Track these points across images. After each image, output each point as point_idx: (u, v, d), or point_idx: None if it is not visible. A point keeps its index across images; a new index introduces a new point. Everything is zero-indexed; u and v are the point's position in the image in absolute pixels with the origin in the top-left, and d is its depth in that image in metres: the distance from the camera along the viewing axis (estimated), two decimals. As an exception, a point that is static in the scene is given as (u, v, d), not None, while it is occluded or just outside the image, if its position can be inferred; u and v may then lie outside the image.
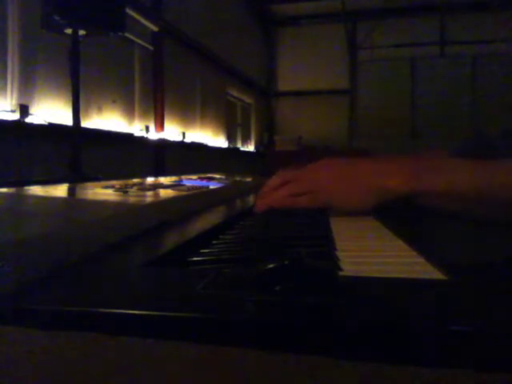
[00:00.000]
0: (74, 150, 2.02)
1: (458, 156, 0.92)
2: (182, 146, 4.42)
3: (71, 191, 0.72)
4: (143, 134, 3.77)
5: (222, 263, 0.39)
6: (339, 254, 0.38)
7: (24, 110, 2.50)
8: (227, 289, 0.25)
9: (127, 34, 3.19)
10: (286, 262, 0.25)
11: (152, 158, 3.86)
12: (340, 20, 6.75)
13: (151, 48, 3.94)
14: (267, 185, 0.64)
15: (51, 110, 2.69)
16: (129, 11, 3.04)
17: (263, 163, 6.33)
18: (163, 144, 3.99)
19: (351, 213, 0.60)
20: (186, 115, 4.65)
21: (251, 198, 0.99)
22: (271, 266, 0.25)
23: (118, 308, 0.22)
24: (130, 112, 3.64)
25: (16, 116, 2.46)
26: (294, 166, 0.66)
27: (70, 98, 2.05)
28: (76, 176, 1.94)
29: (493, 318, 0.21)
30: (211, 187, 0.82)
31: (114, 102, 3.38)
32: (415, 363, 0.19)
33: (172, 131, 4.26)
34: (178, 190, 0.70)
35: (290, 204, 0.61)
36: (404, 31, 6.84)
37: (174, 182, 0.93)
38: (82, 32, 1.99)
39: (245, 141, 6.79)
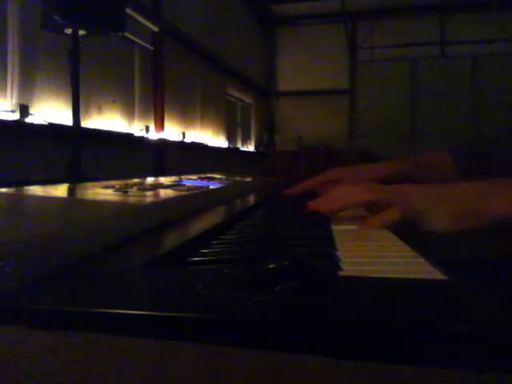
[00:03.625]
0: (74, 150, 2.01)
1: (458, 156, 0.92)
2: (182, 146, 4.41)
3: (71, 191, 0.72)
4: (143, 134, 3.77)
5: (222, 263, 0.39)
6: (339, 253, 0.38)
7: (24, 110, 2.50)
8: (227, 289, 0.25)
9: (127, 34, 3.19)
10: (286, 262, 0.25)
11: (152, 158, 3.86)
12: (340, 20, 6.74)
13: (151, 48, 3.93)
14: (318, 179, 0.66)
15: (51, 110, 2.68)
16: (129, 11, 3.04)
17: (263, 163, 6.33)
18: (163, 144, 3.99)
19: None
20: (186, 115, 4.65)
21: (251, 198, 0.99)
22: (271, 265, 0.25)
23: (118, 308, 0.22)
24: (130, 112, 3.64)
25: (16, 116, 2.46)
26: (345, 165, 0.66)
27: (70, 98, 2.05)
28: (76, 176, 1.94)
29: (492, 318, 0.21)
30: (211, 187, 0.82)
31: (114, 101, 3.38)
32: (415, 363, 0.19)
33: (172, 131, 4.26)
34: (178, 190, 0.70)
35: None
36: (404, 31, 6.84)
37: (174, 181, 0.93)
38: (82, 32, 1.99)
39: (245, 141, 6.79)
